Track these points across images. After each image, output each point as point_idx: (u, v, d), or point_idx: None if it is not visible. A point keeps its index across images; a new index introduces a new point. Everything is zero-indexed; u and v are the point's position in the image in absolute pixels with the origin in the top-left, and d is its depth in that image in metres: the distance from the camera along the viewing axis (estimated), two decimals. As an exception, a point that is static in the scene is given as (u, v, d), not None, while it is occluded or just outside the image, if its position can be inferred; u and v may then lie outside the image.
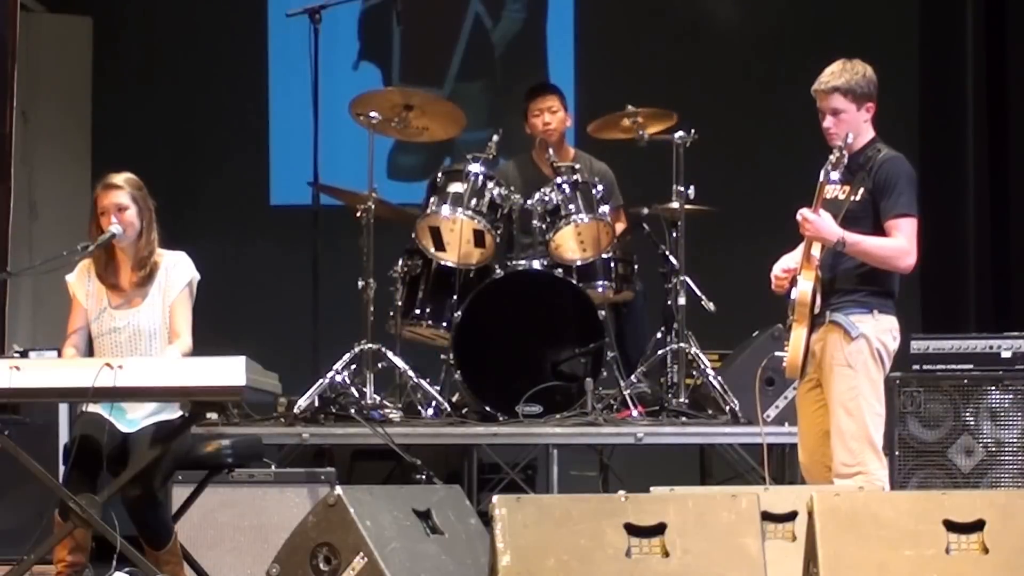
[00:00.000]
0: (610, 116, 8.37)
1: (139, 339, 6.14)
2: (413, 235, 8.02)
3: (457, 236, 7.89)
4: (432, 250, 7.96)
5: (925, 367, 7.05)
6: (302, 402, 7.70)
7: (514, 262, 8.09)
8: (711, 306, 8.09)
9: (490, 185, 7.95)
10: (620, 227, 8.32)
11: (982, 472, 6.91)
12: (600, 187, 8.03)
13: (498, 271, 8.00)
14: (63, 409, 7.21)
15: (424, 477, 7.10)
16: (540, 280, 7.97)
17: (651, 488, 5.16)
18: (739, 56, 10.51)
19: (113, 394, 5.73)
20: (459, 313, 7.82)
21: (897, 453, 6.88)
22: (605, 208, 8.00)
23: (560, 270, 7.94)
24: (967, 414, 6.93)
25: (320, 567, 5.46)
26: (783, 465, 7.65)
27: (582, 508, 4.90)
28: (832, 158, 5.90)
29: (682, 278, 8.07)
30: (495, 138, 8.03)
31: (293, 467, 7.16)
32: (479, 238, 7.92)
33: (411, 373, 7.89)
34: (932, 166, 9.61)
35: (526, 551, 4.80)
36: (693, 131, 8.10)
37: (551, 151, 8.28)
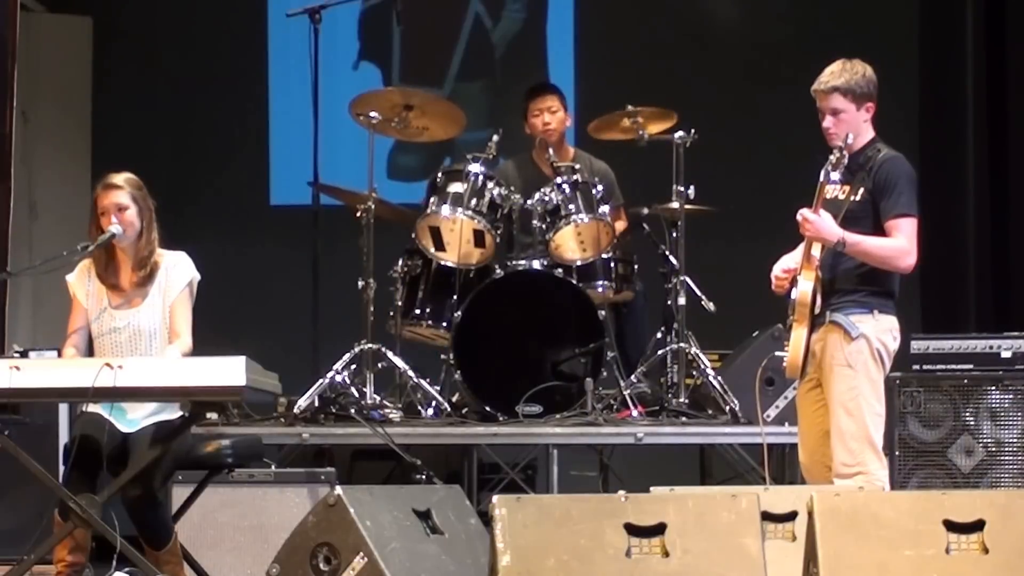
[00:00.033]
0: (610, 116, 8.38)
1: (139, 339, 6.14)
2: (413, 235, 8.02)
3: (457, 236, 7.89)
4: (432, 250, 7.96)
5: (925, 367, 7.05)
6: (302, 402, 7.70)
7: (514, 262, 8.09)
8: (711, 306, 8.09)
9: (490, 185, 7.95)
10: (620, 226, 8.33)
11: (982, 472, 6.91)
12: (600, 187, 8.03)
13: (498, 271, 8.00)
14: (63, 409, 7.21)
15: (424, 477, 7.10)
16: (540, 280, 7.97)
17: (651, 488, 5.16)
18: (739, 56, 10.51)
19: (113, 394, 5.73)
20: (459, 313, 7.82)
21: (897, 453, 6.88)
22: (605, 208, 8.00)
23: (560, 270, 7.94)
24: (967, 414, 6.93)
25: (320, 567, 5.46)
26: (783, 465, 7.65)
27: (582, 508, 4.90)
28: (832, 158, 5.90)
29: (682, 278, 8.07)
30: (495, 138, 8.03)
31: (293, 467, 7.16)
32: (479, 238, 7.92)
33: (411, 373, 7.89)
34: (932, 166, 9.61)
35: (526, 551, 4.80)
36: (693, 131, 8.11)
37: (551, 151, 8.29)
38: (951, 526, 4.90)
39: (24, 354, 6.73)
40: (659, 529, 4.85)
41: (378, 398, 7.83)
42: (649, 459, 8.38)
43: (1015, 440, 6.92)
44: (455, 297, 7.96)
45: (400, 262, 8.08)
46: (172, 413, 6.05)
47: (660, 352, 8.09)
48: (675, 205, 8.10)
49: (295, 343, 8.69)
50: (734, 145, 10.05)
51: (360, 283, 7.96)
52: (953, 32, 10.22)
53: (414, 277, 8.06)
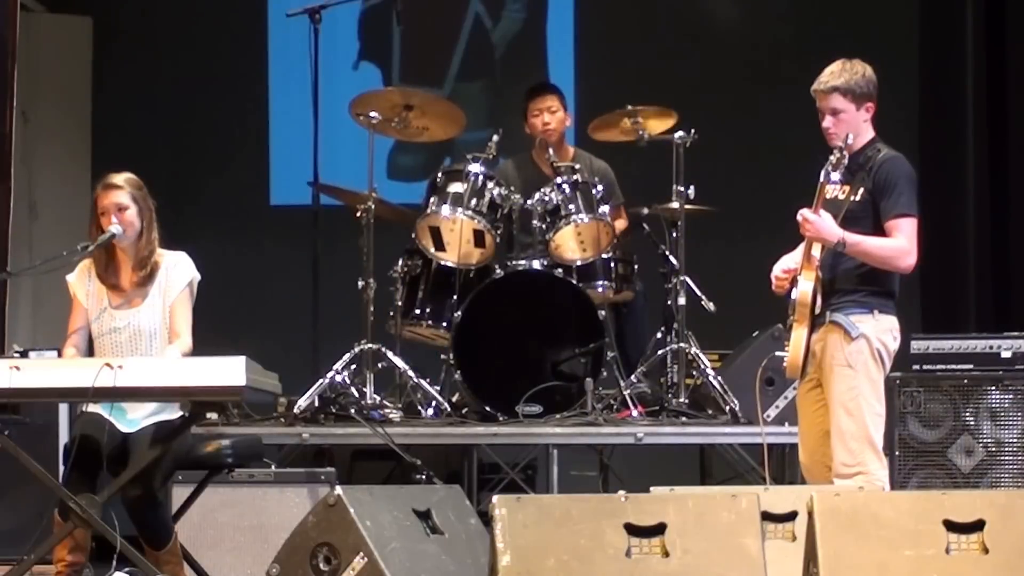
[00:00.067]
0: (610, 115, 8.38)
1: (139, 339, 6.14)
2: (413, 235, 8.03)
3: (457, 236, 7.89)
4: (432, 250, 7.96)
5: (925, 367, 7.05)
6: (302, 402, 7.70)
7: (514, 262, 8.09)
8: (711, 306, 8.09)
9: (490, 185, 7.95)
10: (621, 224, 8.33)
11: (982, 472, 6.91)
12: (600, 187, 8.03)
13: (498, 271, 8.00)
14: (63, 409, 7.21)
15: (424, 477, 7.10)
16: (540, 280, 7.97)
17: (651, 488, 5.16)
18: (739, 56, 10.51)
19: (113, 394, 5.73)
20: (459, 313, 7.82)
21: (897, 453, 6.88)
22: (605, 208, 8.00)
23: (560, 270, 7.94)
24: (967, 414, 6.93)
25: (320, 567, 5.46)
26: (783, 465, 7.65)
27: (582, 508, 4.90)
28: (832, 159, 5.90)
29: (682, 278, 8.07)
30: (495, 138, 8.03)
31: (293, 467, 7.16)
32: (479, 238, 7.92)
33: (411, 373, 7.89)
34: (932, 166, 9.61)
35: (526, 551, 4.80)
36: (693, 131, 8.11)
37: (551, 151, 8.29)
38: (951, 526, 4.90)
39: (24, 354, 6.73)
40: (659, 529, 4.85)
41: (378, 398, 7.83)
42: (649, 459, 8.38)
43: (1015, 440, 6.92)
44: (455, 297, 7.96)
45: (400, 262, 8.08)
46: (172, 413, 6.05)
47: (660, 352, 8.09)
48: (675, 205, 8.10)
49: (295, 343, 8.69)
50: (734, 145, 10.05)
51: (360, 283, 7.97)
52: (953, 32, 10.22)
53: (414, 277, 8.06)
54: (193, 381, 5.65)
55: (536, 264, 8.01)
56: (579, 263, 8.01)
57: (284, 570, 5.51)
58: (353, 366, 7.85)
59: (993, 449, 6.92)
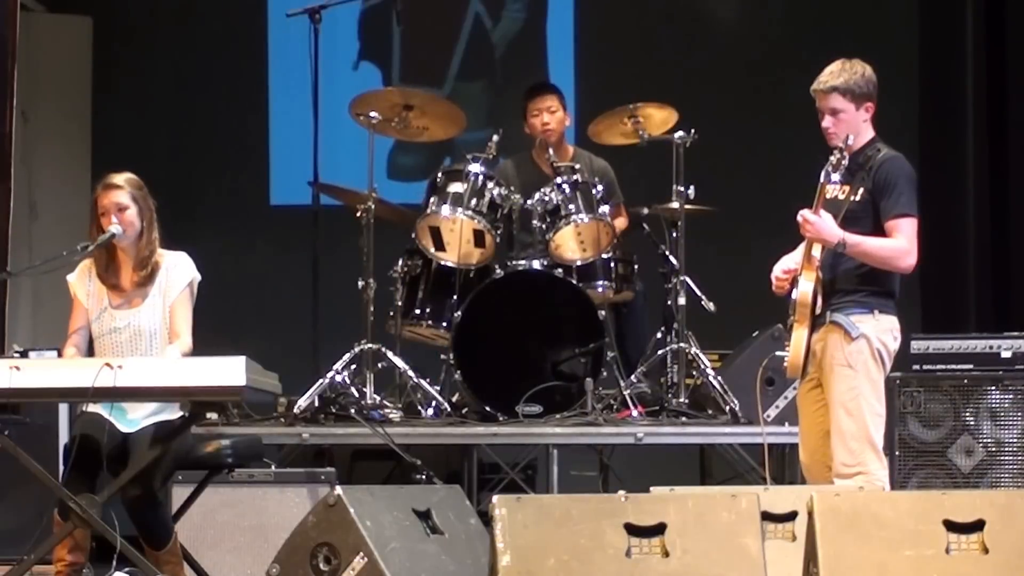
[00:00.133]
0: (611, 112, 8.37)
1: (139, 339, 6.14)
2: (413, 235, 8.03)
3: (457, 236, 7.89)
4: (432, 250, 7.97)
5: (925, 367, 7.05)
6: (302, 402, 7.70)
7: (514, 262, 8.09)
8: (711, 306, 8.09)
9: (490, 185, 7.95)
10: (621, 223, 8.33)
11: (982, 472, 6.91)
12: (600, 187, 8.03)
13: (498, 271, 8.00)
14: (63, 409, 7.21)
15: (424, 477, 7.10)
16: (540, 280, 7.97)
17: (651, 488, 5.16)
18: (739, 56, 10.51)
19: (113, 394, 5.73)
20: (459, 313, 7.82)
21: (897, 453, 6.88)
22: (605, 208, 8.00)
23: (560, 270, 7.94)
24: (967, 414, 6.94)
25: (320, 567, 5.46)
26: (783, 465, 7.65)
27: (582, 508, 4.90)
28: (833, 159, 5.90)
29: (682, 278, 8.07)
30: (495, 138, 8.03)
31: (293, 467, 7.16)
32: (479, 238, 7.92)
33: (411, 373, 7.89)
34: (932, 166, 9.61)
35: (526, 551, 4.80)
36: (693, 131, 8.10)
37: (551, 151, 8.28)
38: (951, 526, 4.90)
39: (24, 354, 6.73)
40: (659, 529, 4.85)
41: (378, 398, 7.83)
42: (649, 459, 8.37)
43: (1015, 440, 6.93)
44: (455, 297, 7.96)
45: (400, 262, 8.08)
46: (172, 413, 6.05)
47: (660, 352, 8.09)
48: (675, 205, 8.09)
49: (295, 343, 8.69)
50: (734, 145, 10.05)
51: (360, 283, 7.97)
52: (953, 33, 10.22)
53: (414, 277, 8.06)
54: (193, 381, 5.65)
55: (536, 264, 8.01)
56: (579, 263, 8.01)
57: (284, 570, 5.51)
58: (353, 366, 7.85)
59: (993, 449, 6.92)
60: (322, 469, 6.87)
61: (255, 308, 10.09)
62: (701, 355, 8.00)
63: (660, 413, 7.88)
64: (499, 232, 8.00)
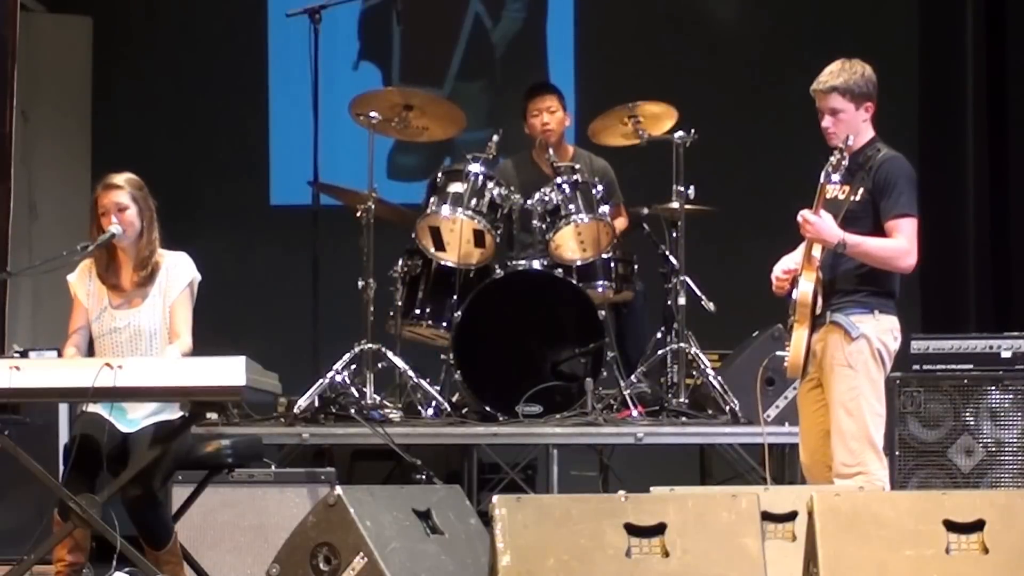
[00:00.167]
0: (610, 112, 8.37)
1: (139, 339, 6.14)
2: (413, 235, 8.03)
3: (457, 236, 7.89)
4: (432, 250, 7.97)
5: (925, 367, 7.05)
6: (302, 402, 7.70)
7: (514, 262, 8.09)
8: (711, 306, 8.09)
9: (490, 185, 7.95)
10: (621, 223, 8.33)
11: (982, 472, 6.91)
12: (600, 187, 8.03)
13: (498, 271, 8.00)
14: (63, 409, 7.21)
15: (424, 477, 7.10)
16: (540, 280, 7.97)
17: (651, 488, 5.16)
18: (740, 56, 10.51)
19: (113, 394, 5.73)
20: (459, 313, 7.82)
21: (897, 453, 6.88)
22: (605, 208, 8.00)
23: (560, 270, 7.94)
24: (967, 414, 6.94)
25: (320, 567, 5.46)
26: (783, 465, 7.65)
27: (582, 508, 4.90)
28: (833, 159, 5.90)
29: (682, 278, 8.07)
30: (495, 138, 8.03)
31: (293, 467, 7.16)
32: (479, 238, 7.92)
33: (411, 373, 7.89)
34: (932, 166, 9.61)
35: (526, 551, 4.80)
36: (693, 131, 8.10)
37: (551, 151, 8.28)
38: (951, 526, 4.90)
39: (24, 354, 6.72)
40: (659, 529, 4.85)
41: (378, 398, 7.83)
42: (649, 459, 8.38)
43: (1015, 440, 6.93)
44: (455, 297, 7.96)
45: (400, 262, 8.08)
46: (172, 413, 6.05)
47: (660, 352, 8.09)
48: (675, 205, 8.09)
49: (295, 343, 8.69)
50: (734, 145, 10.05)
51: (360, 283, 7.97)
52: (953, 32, 10.22)
53: (414, 277, 8.06)
54: (193, 381, 5.65)
55: (536, 264, 8.01)
56: (579, 263, 8.01)
57: (284, 570, 5.51)
58: (353, 366, 7.85)
59: (993, 449, 6.92)
60: (322, 469, 6.87)
61: (255, 308, 10.09)
62: (701, 355, 8.00)
63: (660, 413, 7.88)
64: (499, 232, 8.00)
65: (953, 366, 7.05)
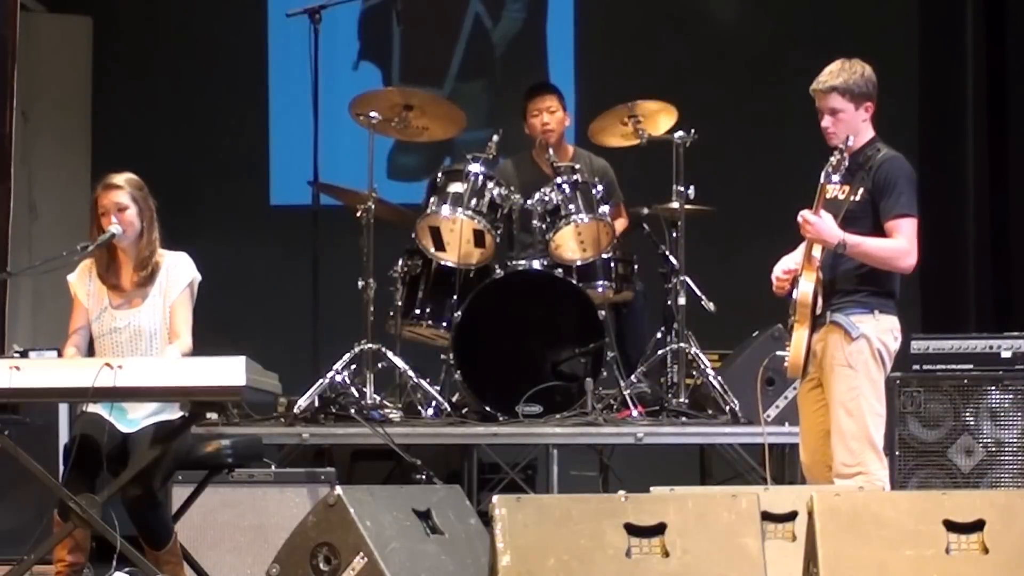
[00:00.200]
0: (611, 111, 8.37)
1: (139, 339, 6.14)
2: (413, 235, 8.03)
3: (457, 236, 7.89)
4: (432, 250, 7.97)
5: (925, 367, 7.06)
6: (302, 402, 7.70)
7: (514, 262, 8.09)
8: (711, 306, 8.09)
9: (490, 185, 7.95)
10: (621, 223, 8.33)
11: (982, 472, 6.91)
12: (600, 187, 8.03)
13: (498, 271, 8.00)
14: (63, 409, 7.21)
15: (424, 477, 7.10)
16: (540, 280, 7.97)
17: (651, 488, 5.16)
18: (740, 56, 10.51)
19: (113, 394, 5.73)
20: (459, 313, 7.82)
21: (897, 453, 6.89)
22: (605, 208, 8.00)
23: (560, 270, 7.94)
24: (967, 414, 6.94)
25: (320, 567, 5.46)
26: (783, 465, 7.65)
27: (582, 508, 4.90)
28: (833, 160, 5.90)
29: (682, 278, 8.07)
30: (495, 138, 8.03)
31: (293, 467, 7.16)
32: (479, 238, 7.92)
33: (411, 373, 7.89)
34: (932, 166, 9.61)
35: (526, 551, 4.80)
36: (693, 131, 8.10)
37: (551, 151, 8.29)
38: (951, 526, 4.90)
39: (24, 354, 6.72)
40: (659, 529, 4.85)
41: (378, 398, 7.83)
42: (649, 459, 8.37)
43: (1015, 440, 6.93)
44: (455, 297, 7.96)
45: (400, 262, 8.08)
46: (172, 413, 6.05)
47: (660, 352, 8.09)
48: (675, 205, 8.10)
49: (295, 343, 8.69)
50: (734, 145, 10.05)
51: (360, 283, 7.97)
52: (953, 32, 10.22)
53: (414, 277, 8.06)
54: (193, 381, 5.65)
55: (536, 264, 8.01)
56: (579, 263, 8.01)
57: (284, 570, 5.51)
58: (353, 366, 7.85)
59: (993, 449, 6.92)
60: (322, 469, 6.87)
61: (255, 308, 10.09)
62: (701, 355, 8.00)
63: (660, 413, 7.88)
64: (499, 232, 8.00)
65: (953, 366, 7.06)
